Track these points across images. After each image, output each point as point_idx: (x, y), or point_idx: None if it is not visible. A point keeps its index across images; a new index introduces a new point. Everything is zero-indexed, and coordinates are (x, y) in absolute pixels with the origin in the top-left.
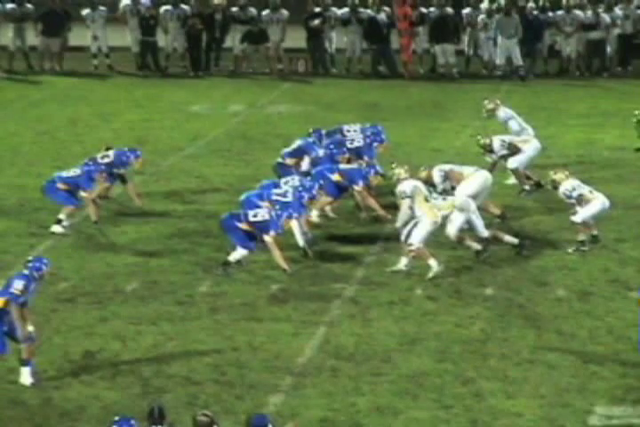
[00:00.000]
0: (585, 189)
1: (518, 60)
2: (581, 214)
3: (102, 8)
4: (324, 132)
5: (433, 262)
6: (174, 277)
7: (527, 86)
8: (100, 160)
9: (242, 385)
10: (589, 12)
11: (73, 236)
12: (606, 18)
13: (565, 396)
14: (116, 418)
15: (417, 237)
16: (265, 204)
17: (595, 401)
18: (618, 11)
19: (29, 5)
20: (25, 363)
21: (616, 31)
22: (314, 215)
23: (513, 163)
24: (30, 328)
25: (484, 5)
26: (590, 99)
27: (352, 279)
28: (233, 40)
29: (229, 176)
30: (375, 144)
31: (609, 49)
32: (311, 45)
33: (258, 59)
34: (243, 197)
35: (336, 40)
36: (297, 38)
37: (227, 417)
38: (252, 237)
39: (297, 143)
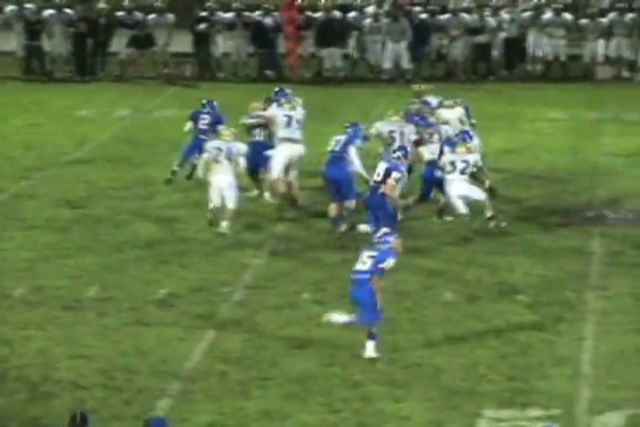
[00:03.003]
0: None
1: (406, 63)
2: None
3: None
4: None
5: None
6: (61, 282)
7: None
8: None
9: (130, 390)
10: (475, 16)
11: None
12: (492, 21)
13: (454, 399)
14: None
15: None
16: None
17: (483, 404)
18: (504, 14)
19: None
20: (372, 337)
21: (502, 35)
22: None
23: None
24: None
25: (370, 9)
26: (477, 102)
27: (239, 283)
28: (119, 44)
29: (116, 180)
30: None
31: (495, 52)
32: (197, 50)
33: (144, 63)
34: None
35: (222, 44)
36: (183, 42)
37: (115, 422)
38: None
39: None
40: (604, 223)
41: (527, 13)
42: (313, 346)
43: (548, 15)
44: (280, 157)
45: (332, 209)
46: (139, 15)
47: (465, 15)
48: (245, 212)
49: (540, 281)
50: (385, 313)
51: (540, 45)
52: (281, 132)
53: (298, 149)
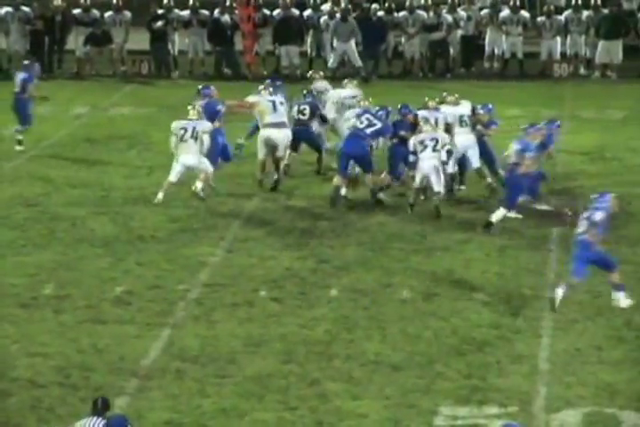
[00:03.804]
0: None
1: (357, 61)
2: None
3: None
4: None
5: None
6: (18, 279)
7: (370, 87)
8: None
9: (87, 388)
10: (432, 13)
11: None
12: (448, 18)
13: (410, 397)
14: None
15: None
16: None
17: (440, 402)
18: (461, 12)
19: None
20: (619, 288)
21: (459, 32)
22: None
23: None
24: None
25: (326, 7)
26: None
27: (196, 281)
28: (76, 42)
29: (73, 178)
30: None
31: (452, 50)
32: (154, 47)
33: (101, 61)
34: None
35: (179, 42)
36: (140, 40)
37: (72, 420)
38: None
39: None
40: (561, 221)
41: (484, 11)
42: (270, 344)
43: (505, 13)
44: (261, 141)
45: (336, 181)
46: (95, 13)
47: (421, 13)
48: (201, 209)
49: (497, 279)
50: (342, 311)
51: (498, 43)
52: (266, 118)
53: (283, 133)
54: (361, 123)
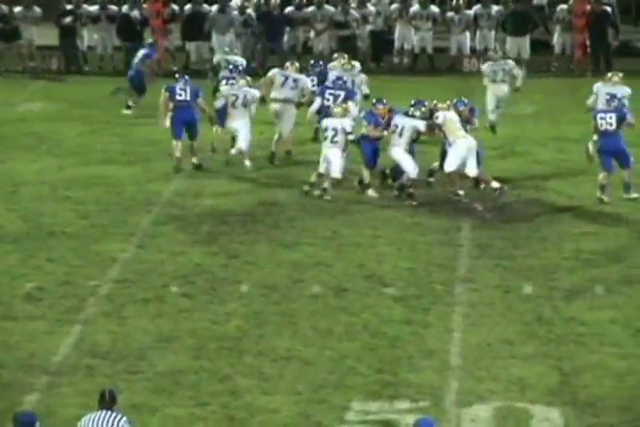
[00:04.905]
0: None
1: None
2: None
3: None
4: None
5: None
6: None
7: None
8: None
9: None
10: (340, 9)
11: None
12: (355, 13)
13: (322, 392)
14: None
15: None
16: None
17: (351, 397)
18: (370, 6)
19: None
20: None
21: (368, 27)
22: None
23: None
24: None
25: (236, 2)
26: None
27: (106, 277)
28: None
29: None
30: None
31: (362, 45)
32: (63, 43)
33: (10, 57)
34: None
35: (88, 37)
36: (49, 36)
37: None
38: None
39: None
40: (472, 216)
41: (394, 6)
42: (181, 339)
43: (414, 8)
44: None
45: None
46: (4, 8)
47: (330, 8)
48: (112, 205)
49: (408, 274)
50: (253, 306)
51: (407, 38)
52: (272, 93)
53: (287, 109)
54: (328, 100)
